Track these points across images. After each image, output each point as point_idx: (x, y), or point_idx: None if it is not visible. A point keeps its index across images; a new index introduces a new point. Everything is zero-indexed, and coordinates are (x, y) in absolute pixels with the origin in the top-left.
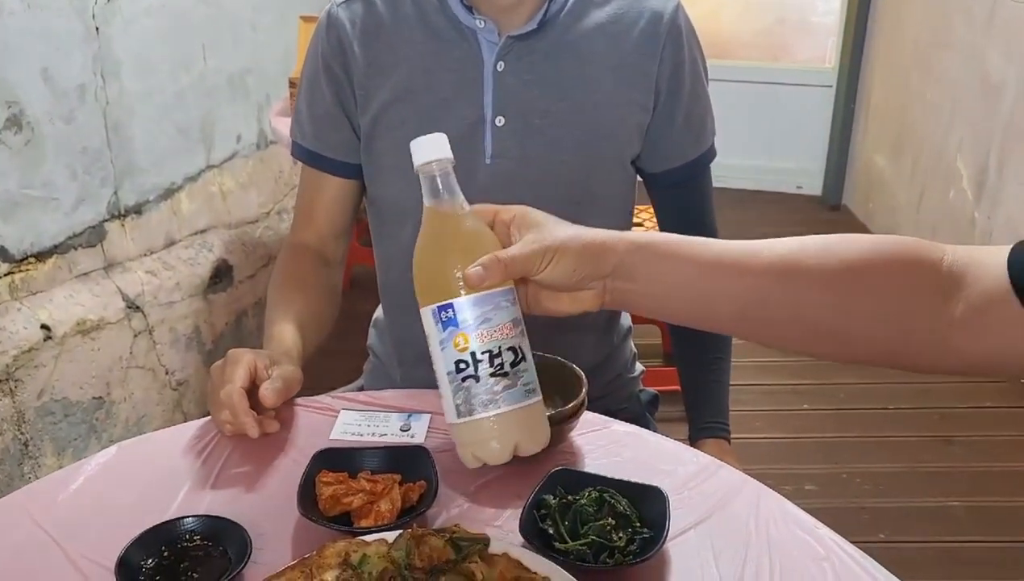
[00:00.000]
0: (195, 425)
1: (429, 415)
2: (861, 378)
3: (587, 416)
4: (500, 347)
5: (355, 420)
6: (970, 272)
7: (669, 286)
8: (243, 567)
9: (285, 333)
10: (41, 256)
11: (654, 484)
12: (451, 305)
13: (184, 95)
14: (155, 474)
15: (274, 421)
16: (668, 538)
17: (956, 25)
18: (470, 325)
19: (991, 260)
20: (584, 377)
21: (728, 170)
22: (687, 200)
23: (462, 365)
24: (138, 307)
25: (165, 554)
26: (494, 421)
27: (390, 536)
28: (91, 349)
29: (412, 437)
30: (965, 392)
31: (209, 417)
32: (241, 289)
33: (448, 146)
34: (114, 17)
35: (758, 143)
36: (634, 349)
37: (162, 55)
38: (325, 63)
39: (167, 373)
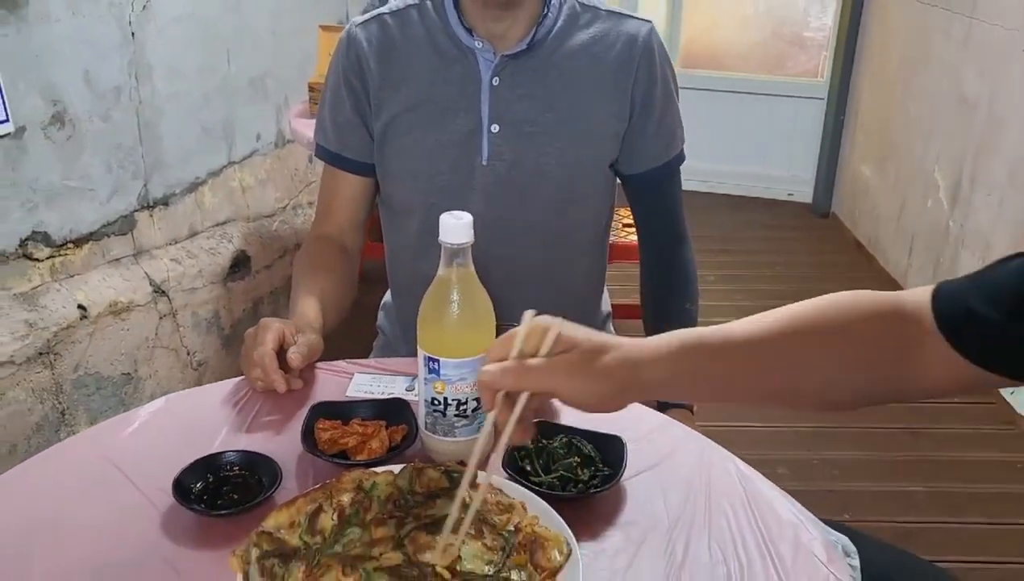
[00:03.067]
0: (231, 382)
1: None
2: None
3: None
4: (468, 398)
5: (367, 381)
6: (916, 316)
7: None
8: (275, 490)
9: (309, 308)
10: (78, 242)
11: (615, 434)
12: (438, 361)
13: (209, 97)
14: (199, 420)
15: (298, 379)
16: (624, 477)
17: (935, 44)
18: (448, 378)
19: (924, 299)
20: None
21: (723, 176)
22: (659, 199)
23: (435, 402)
24: (164, 292)
25: (210, 480)
26: (449, 443)
27: (395, 469)
28: (121, 329)
29: (416, 397)
30: None
31: (242, 377)
32: (258, 278)
33: (471, 230)
34: (148, 24)
35: (752, 151)
36: (613, 331)
37: (190, 59)
38: (345, 77)
39: (188, 354)
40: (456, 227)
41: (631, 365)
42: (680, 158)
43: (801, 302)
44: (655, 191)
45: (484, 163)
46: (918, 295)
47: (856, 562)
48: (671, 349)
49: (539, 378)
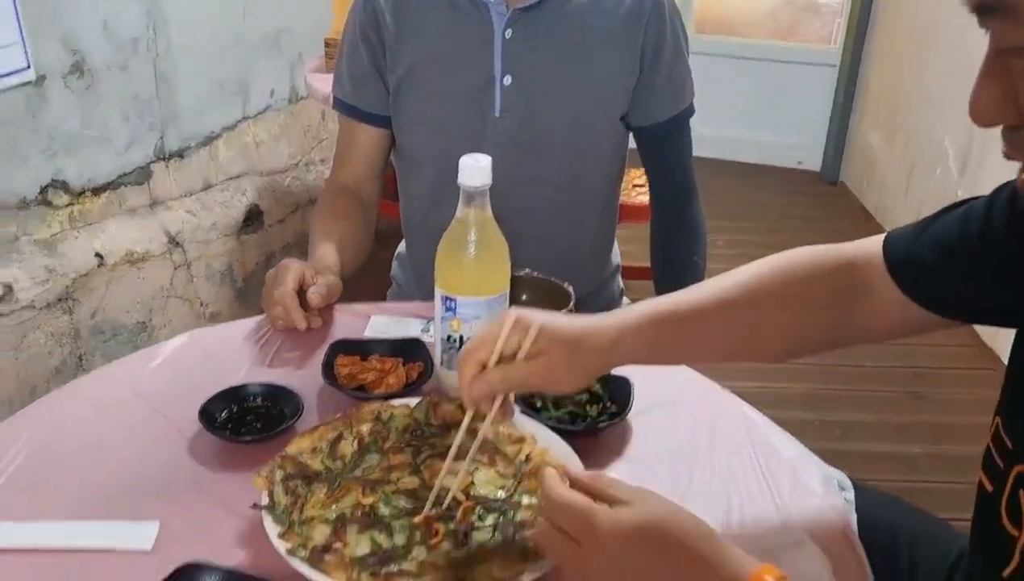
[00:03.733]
0: (253, 321)
1: None
2: None
3: None
4: None
5: (383, 323)
6: (867, 263)
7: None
8: (296, 420)
9: (327, 252)
10: (96, 191)
11: (623, 375)
12: (454, 300)
13: (224, 51)
14: (222, 355)
15: (318, 318)
16: (632, 414)
17: (945, 12)
18: (464, 317)
19: (874, 249)
20: (572, 293)
21: (732, 144)
22: (669, 152)
23: (451, 339)
24: (178, 243)
25: (234, 410)
26: None
27: (412, 402)
28: (137, 278)
29: (431, 338)
30: (938, 354)
31: (263, 315)
32: (271, 232)
33: (489, 173)
34: None
35: (763, 118)
36: (621, 285)
37: (206, 13)
38: (362, 31)
39: (202, 304)
40: (475, 169)
41: (604, 351)
42: (690, 111)
43: (755, 263)
44: (665, 144)
45: (497, 115)
46: (870, 243)
47: (851, 496)
48: (640, 324)
49: (520, 382)
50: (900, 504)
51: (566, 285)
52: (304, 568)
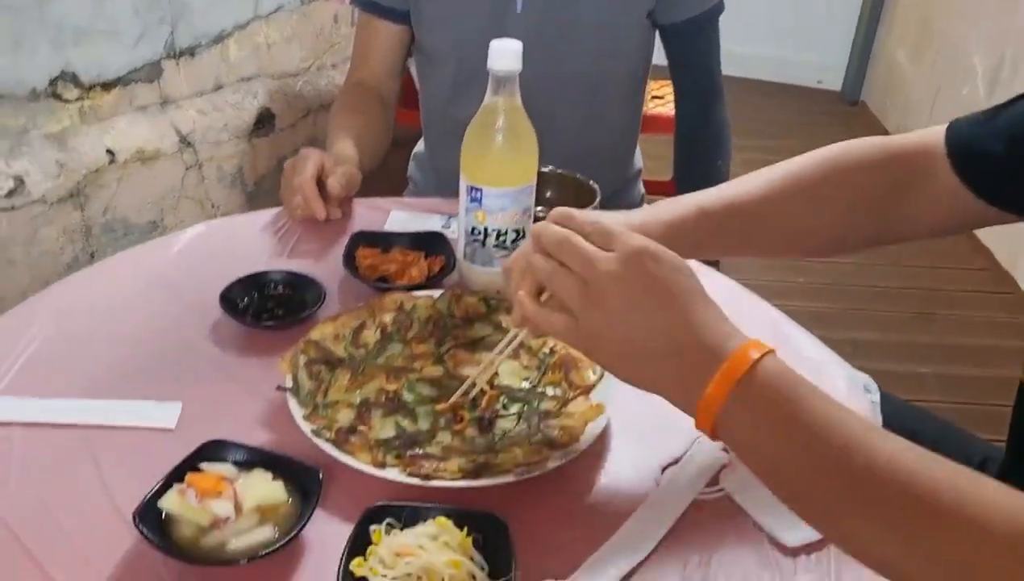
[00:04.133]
0: (270, 213)
1: None
2: (855, 258)
3: None
4: (508, 229)
5: (403, 217)
6: (925, 152)
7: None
8: (318, 308)
9: (346, 146)
10: (107, 86)
11: None
12: (480, 190)
13: None
14: (240, 246)
15: (337, 209)
16: None
17: None
18: (489, 208)
19: (933, 138)
20: (598, 190)
21: (751, 61)
22: (695, 50)
23: (475, 231)
24: (190, 143)
25: (255, 297)
26: (486, 273)
27: (435, 294)
28: (148, 177)
29: (452, 233)
30: (954, 277)
31: (280, 207)
32: (281, 136)
33: (519, 58)
34: None
35: (783, 34)
36: (643, 190)
37: None
38: None
39: (213, 206)
40: (504, 53)
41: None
42: (719, 8)
43: (802, 156)
44: (692, 42)
45: (519, 11)
46: (928, 133)
47: (876, 398)
48: (686, 217)
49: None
50: (923, 413)
51: (591, 182)
52: (329, 448)
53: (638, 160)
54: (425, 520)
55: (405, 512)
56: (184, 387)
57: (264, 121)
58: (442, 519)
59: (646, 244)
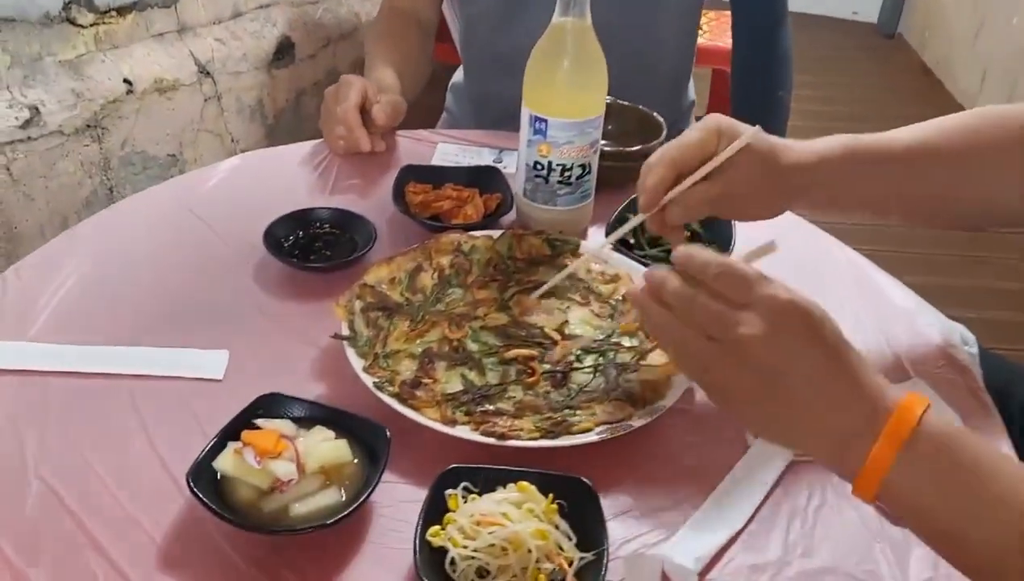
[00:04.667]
0: (308, 145)
1: (518, 152)
2: None
3: None
4: (573, 164)
5: (452, 151)
6: None
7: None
8: (369, 249)
9: (386, 74)
10: (122, 11)
11: None
12: (545, 121)
13: None
14: (278, 180)
15: (381, 141)
16: (732, 255)
17: None
18: (554, 141)
19: None
20: (663, 124)
21: None
22: None
23: (538, 166)
24: (208, 73)
25: (300, 236)
26: (548, 212)
27: (493, 234)
28: (167, 108)
29: (505, 169)
30: None
31: (319, 140)
32: (302, 67)
33: None
34: None
35: None
36: (692, 97)
37: None
38: None
39: (232, 140)
40: None
41: (807, 170)
42: None
43: (959, 115)
44: None
45: None
46: None
47: (975, 350)
48: (834, 152)
49: (714, 203)
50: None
51: (656, 115)
52: (395, 403)
53: (691, 91)
54: (504, 484)
55: (482, 475)
56: (230, 334)
57: (284, 51)
58: (524, 483)
59: (790, 298)
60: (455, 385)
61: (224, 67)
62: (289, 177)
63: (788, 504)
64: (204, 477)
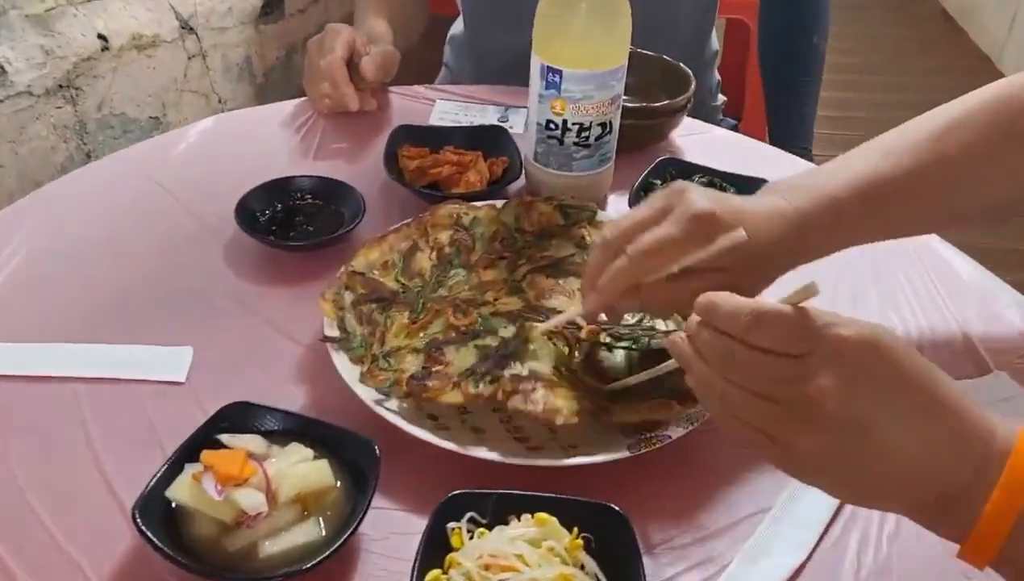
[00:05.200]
0: (290, 104)
1: (527, 109)
2: None
3: (688, 121)
4: (592, 122)
5: (452, 110)
6: None
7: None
8: (357, 223)
9: (377, 23)
10: None
11: (760, 176)
12: (559, 73)
13: None
14: (256, 144)
15: (372, 99)
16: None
17: None
18: (571, 96)
19: None
20: (691, 76)
21: None
22: None
23: (551, 125)
24: (191, 28)
25: (278, 208)
26: (562, 177)
27: (497, 203)
28: (147, 67)
29: (511, 128)
30: None
31: (302, 98)
32: (292, 23)
33: None
34: None
35: None
36: (718, 76)
37: None
38: None
39: (220, 101)
40: None
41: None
42: None
43: (958, 101)
44: None
45: None
46: None
47: None
48: (850, 207)
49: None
50: None
51: (682, 66)
52: (399, 421)
53: (715, 41)
54: (518, 513)
55: (491, 502)
56: (194, 327)
57: (272, 5)
58: (543, 516)
59: (857, 333)
60: (470, 359)
61: (208, 22)
62: (268, 141)
63: (857, 531)
64: (156, 509)
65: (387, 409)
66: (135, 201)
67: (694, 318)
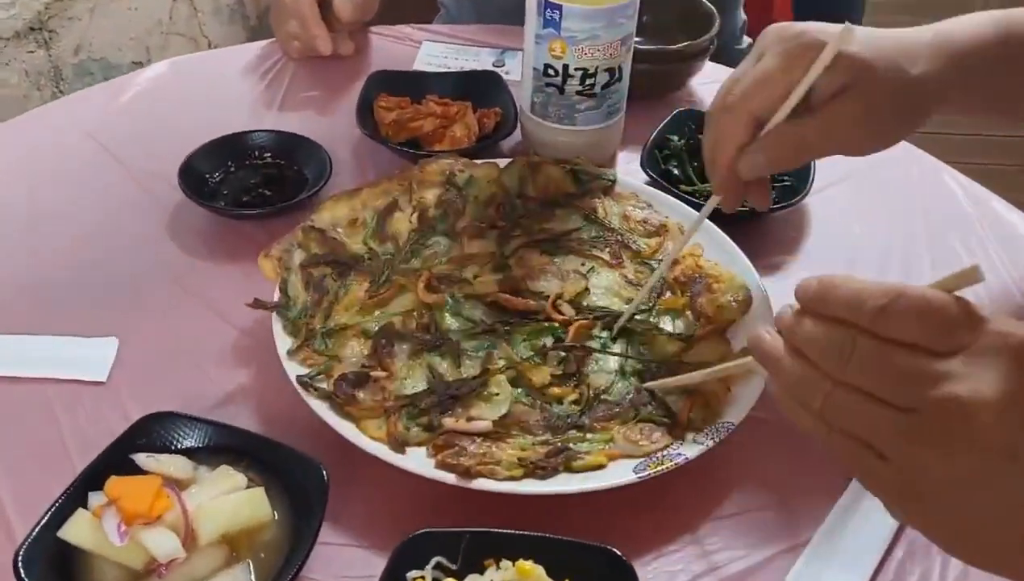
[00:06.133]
0: (256, 46)
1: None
2: None
3: (709, 67)
4: (598, 67)
5: (440, 52)
6: None
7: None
8: (322, 186)
9: None
10: None
11: None
12: (559, 8)
13: None
14: (213, 93)
15: (348, 42)
16: (811, 191)
17: None
18: (571, 36)
19: None
20: (715, 14)
21: None
22: None
23: (551, 71)
24: None
25: (232, 169)
26: (562, 132)
27: (501, 162)
28: (128, 7)
29: (507, 75)
30: None
31: (271, 40)
32: None
33: None
34: None
35: None
36: (744, 17)
37: None
38: None
39: (210, 45)
40: None
41: (942, 76)
42: None
43: None
44: None
45: None
46: None
47: None
48: (995, 43)
49: (807, 148)
50: None
51: (705, 2)
52: (325, 412)
53: (741, 12)
54: (496, 556)
55: (464, 542)
56: (122, 313)
57: None
58: (526, 565)
59: None
60: (417, 381)
61: None
62: (228, 89)
63: (918, 571)
64: (47, 552)
65: (325, 400)
66: (64, 160)
67: (787, 309)
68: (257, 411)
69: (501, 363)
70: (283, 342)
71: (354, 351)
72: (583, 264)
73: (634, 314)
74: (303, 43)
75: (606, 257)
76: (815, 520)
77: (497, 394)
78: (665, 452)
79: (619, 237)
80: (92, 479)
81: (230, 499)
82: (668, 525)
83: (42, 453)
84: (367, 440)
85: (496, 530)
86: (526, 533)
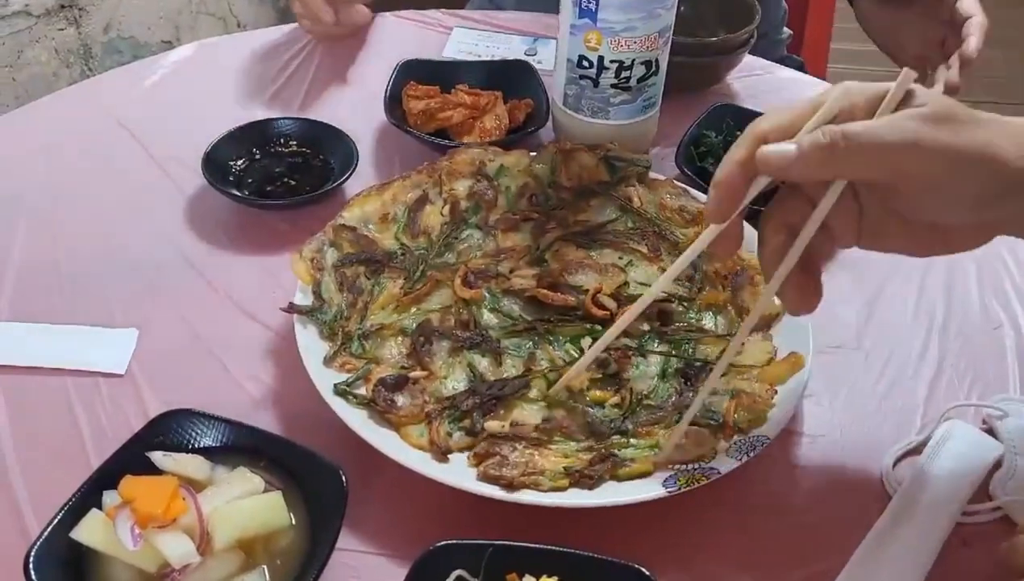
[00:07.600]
0: (284, 29)
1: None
2: None
3: (748, 60)
4: (634, 60)
5: (472, 39)
6: None
7: None
8: (348, 177)
9: None
10: None
11: None
12: None
13: None
14: (239, 77)
15: (363, 8)
16: None
17: None
18: (609, 28)
19: None
20: (757, 6)
21: None
22: None
23: (585, 63)
24: None
25: (256, 156)
26: (596, 126)
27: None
28: None
29: (539, 64)
30: None
31: (295, 24)
32: None
33: None
34: None
35: None
36: (785, 6)
37: None
38: None
39: (239, 25)
40: None
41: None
42: None
43: None
44: None
45: None
46: None
47: None
48: None
49: (874, 152)
50: None
51: None
52: (361, 430)
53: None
54: (520, 572)
55: (486, 557)
56: (142, 303)
57: None
58: None
59: None
60: (457, 381)
61: None
62: (254, 74)
63: None
64: (59, 552)
65: (364, 407)
66: (89, 143)
67: None
68: (276, 408)
69: (544, 365)
70: (312, 352)
71: (392, 352)
72: (620, 257)
73: (670, 299)
74: (311, 20)
75: (644, 250)
76: (850, 544)
77: (535, 401)
78: (697, 466)
79: (656, 228)
80: (107, 477)
81: (247, 504)
82: (696, 541)
83: (59, 446)
84: (407, 454)
85: (520, 544)
86: (551, 547)
